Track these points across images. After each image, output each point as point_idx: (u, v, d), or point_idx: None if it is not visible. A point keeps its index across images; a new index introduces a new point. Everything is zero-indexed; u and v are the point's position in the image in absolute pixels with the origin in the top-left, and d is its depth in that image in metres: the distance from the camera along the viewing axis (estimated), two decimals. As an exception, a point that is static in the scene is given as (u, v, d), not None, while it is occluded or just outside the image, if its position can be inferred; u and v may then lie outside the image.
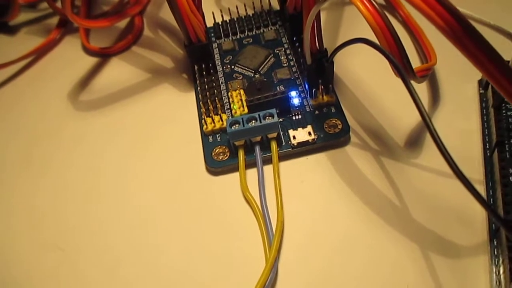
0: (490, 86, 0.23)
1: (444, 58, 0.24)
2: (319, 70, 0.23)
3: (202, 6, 0.26)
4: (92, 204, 0.23)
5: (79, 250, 0.22)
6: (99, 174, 0.25)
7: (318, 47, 0.23)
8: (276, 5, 0.30)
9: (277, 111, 0.23)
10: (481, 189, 0.21)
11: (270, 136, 0.23)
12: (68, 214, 0.23)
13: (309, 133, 0.23)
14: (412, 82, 0.23)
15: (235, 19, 0.30)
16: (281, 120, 0.24)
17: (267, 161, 0.23)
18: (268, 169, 0.23)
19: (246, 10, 0.30)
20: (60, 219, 0.23)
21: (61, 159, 0.26)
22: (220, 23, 0.30)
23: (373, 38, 0.19)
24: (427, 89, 0.25)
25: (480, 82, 0.24)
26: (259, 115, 0.22)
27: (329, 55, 0.23)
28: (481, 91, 0.24)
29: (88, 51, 0.31)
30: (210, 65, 0.26)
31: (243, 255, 0.21)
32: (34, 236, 0.23)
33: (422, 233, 0.20)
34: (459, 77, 0.25)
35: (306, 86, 0.25)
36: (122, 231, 0.22)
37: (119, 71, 0.30)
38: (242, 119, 0.23)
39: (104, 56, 0.31)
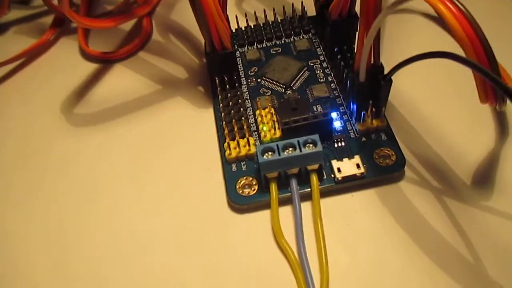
0: None
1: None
2: (372, 89, 0.19)
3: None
4: (87, 239, 0.19)
5: None
6: (95, 205, 0.20)
7: (373, 62, 0.18)
8: (310, 11, 0.25)
9: (317, 137, 0.18)
10: None
11: (310, 168, 0.19)
12: (58, 249, 0.19)
13: (357, 166, 0.19)
14: (486, 106, 0.19)
15: (262, 24, 0.26)
16: (322, 149, 0.19)
17: (304, 197, 0.19)
18: (305, 207, 0.19)
19: (275, 15, 0.26)
20: (49, 251, 0.19)
21: (50, 184, 0.21)
22: (243, 28, 0.26)
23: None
24: (492, 119, 0.21)
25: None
26: (298, 142, 0.18)
27: (385, 72, 0.18)
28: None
29: (87, 55, 0.27)
30: (234, 77, 0.22)
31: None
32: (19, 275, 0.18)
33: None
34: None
35: (353, 107, 0.20)
36: (118, 277, 0.18)
37: (122, 80, 0.25)
38: (277, 146, 0.18)
39: (105, 62, 0.26)
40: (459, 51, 0.15)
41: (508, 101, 0.17)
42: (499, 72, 0.15)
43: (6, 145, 0.23)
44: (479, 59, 0.15)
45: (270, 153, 0.18)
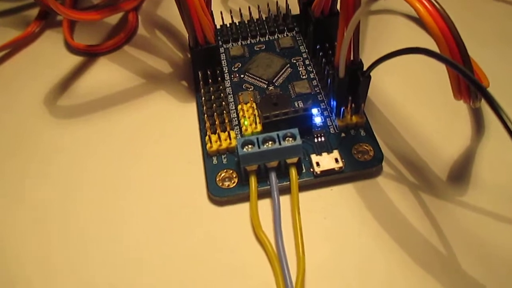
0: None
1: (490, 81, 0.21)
2: (352, 85, 0.19)
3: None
4: (70, 231, 0.19)
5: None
6: (78, 196, 0.20)
7: (353, 58, 0.19)
8: (294, 9, 0.26)
9: (297, 132, 0.19)
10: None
11: (289, 161, 0.19)
12: (44, 240, 0.19)
13: (336, 160, 0.19)
14: (463, 104, 0.20)
15: (246, 22, 0.26)
16: (301, 143, 0.19)
17: (284, 190, 0.19)
18: (284, 200, 0.19)
19: (259, 12, 0.26)
20: (34, 243, 0.19)
21: (34, 176, 0.21)
22: (228, 25, 0.26)
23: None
24: (469, 116, 0.21)
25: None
26: (278, 135, 0.18)
27: (365, 68, 0.19)
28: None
29: (72, 48, 0.27)
30: (217, 72, 0.22)
31: (254, 312, 0.16)
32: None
33: (473, 288, 0.16)
34: (508, 104, 0.21)
35: (333, 103, 0.21)
36: (102, 268, 0.18)
37: (107, 74, 0.25)
38: (257, 139, 0.18)
39: (90, 55, 0.26)
40: (437, 50, 0.15)
41: (482, 99, 0.18)
42: (471, 68, 0.15)
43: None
44: (453, 55, 0.15)
45: (250, 146, 0.19)
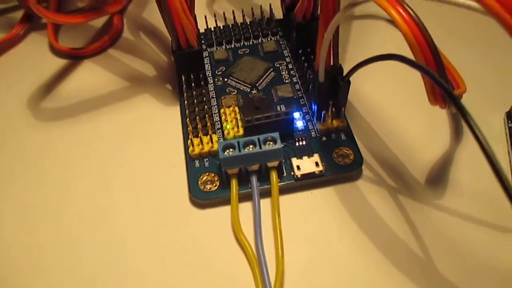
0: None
1: (468, 88, 0.21)
2: (332, 90, 0.20)
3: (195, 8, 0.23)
4: (52, 234, 0.19)
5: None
6: (62, 200, 0.20)
7: (333, 63, 0.19)
8: (278, 14, 0.26)
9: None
10: (517, 240, 0.18)
11: (270, 165, 0.19)
12: (29, 241, 0.19)
13: (316, 164, 0.19)
14: (443, 110, 0.20)
15: (230, 26, 0.26)
16: (282, 146, 0.20)
17: (264, 194, 0.19)
18: (265, 204, 0.19)
19: (243, 17, 0.26)
20: (20, 247, 0.19)
21: (17, 177, 0.21)
22: (212, 29, 0.26)
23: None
24: (448, 121, 0.22)
25: (508, 114, 0.22)
26: (258, 139, 0.19)
27: (345, 73, 0.19)
28: (510, 125, 0.21)
29: (56, 51, 0.27)
30: (201, 75, 0.22)
31: (233, 314, 0.17)
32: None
33: (448, 291, 0.17)
34: (485, 108, 0.22)
35: (314, 107, 0.21)
36: (87, 266, 0.18)
37: (91, 77, 0.25)
38: (238, 143, 0.19)
39: (74, 58, 0.26)
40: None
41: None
42: (445, 75, 0.15)
43: (-29, 139, 0.23)
44: (427, 62, 0.15)
45: (231, 149, 0.19)
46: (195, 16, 0.23)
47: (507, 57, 0.24)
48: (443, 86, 0.14)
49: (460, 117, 0.22)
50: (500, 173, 0.12)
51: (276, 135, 0.19)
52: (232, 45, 0.25)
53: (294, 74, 0.24)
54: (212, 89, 0.23)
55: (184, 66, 0.22)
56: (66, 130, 0.23)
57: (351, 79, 0.19)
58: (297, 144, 0.21)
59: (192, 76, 0.22)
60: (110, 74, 0.25)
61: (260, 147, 0.18)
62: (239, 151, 0.18)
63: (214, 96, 0.23)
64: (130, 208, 0.20)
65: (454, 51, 0.22)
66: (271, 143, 0.19)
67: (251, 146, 0.19)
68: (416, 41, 0.15)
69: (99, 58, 0.26)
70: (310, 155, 0.20)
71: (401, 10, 0.15)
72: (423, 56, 0.15)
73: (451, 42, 0.24)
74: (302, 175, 0.19)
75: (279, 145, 0.19)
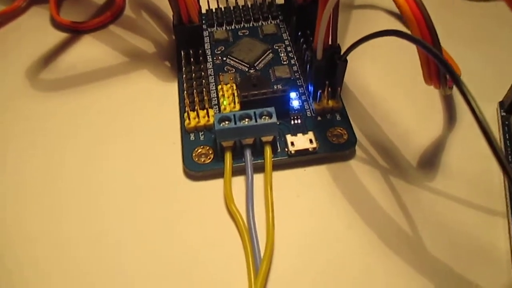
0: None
1: (463, 77, 0.21)
2: (329, 69, 0.20)
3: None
4: (49, 201, 0.19)
5: (33, 249, 0.18)
6: (58, 167, 0.20)
7: (331, 42, 0.19)
8: (279, -1, 0.26)
9: (275, 112, 0.19)
10: (504, 222, 0.18)
11: (264, 139, 0.19)
12: (22, 209, 0.19)
13: (310, 141, 0.20)
14: (438, 94, 0.21)
15: (232, 8, 0.26)
16: (278, 123, 0.20)
17: (258, 169, 0.19)
18: (258, 179, 0.19)
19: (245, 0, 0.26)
20: (12, 213, 0.19)
21: (14, 146, 0.21)
22: (214, 10, 0.26)
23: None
24: (442, 106, 0.22)
25: (501, 104, 0.22)
26: (254, 113, 0.19)
27: (342, 52, 0.19)
28: (502, 114, 0.21)
29: (58, 24, 0.27)
30: (200, 51, 0.23)
31: (222, 282, 0.17)
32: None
33: (435, 268, 0.17)
34: (478, 96, 0.22)
35: (310, 87, 0.21)
36: (82, 236, 0.18)
37: (91, 51, 0.26)
38: (234, 115, 0.19)
39: (75, 32, 0.27)
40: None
41: (454, 87, 0.18)
42: (441, 50, 0.16)
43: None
44: (424, 38, 0.16)
45: (226, 122, 0.19)
46: (197, -7, 0.23)
47: (502, 50, 0.24)
48: (439, 58, 0.14)
49: (453, 100, 0.22)
50: (490, 136, 0.12)
51: (272, 109, 0.19)
52: (233, 27, 0.26)
53: (292, 56, 0.24)
54: (210, 66, 0.23)
55: (184, 42, 0.22)
56: (64, 101, 0.23)
57: (348, 60, 0.19)
58: (292, 122, 0.21)
59: (191, 52, 0.22)
60: (110, 49, 0.26)
61: (256, 121, 0.19)
62: (235, 123, 0.19)
63: (213, 74, 0.23)
64: (125, 179, 0.20)
65: (450, 44, 0.23)
66: (267, 117, 0.19)
67: (246, 119, 0.19)
68: (413, 16, 0.15)
69: (100, 33, 0.27)
70: (304, 132, 0.20)
71: (399, -13, 0.16)
72: (420, 31, 0.15)
73: (447, 36, 0.24)
74: (296, 151, 0.20)
75: (274, 119, 0.19)
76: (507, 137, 0.20)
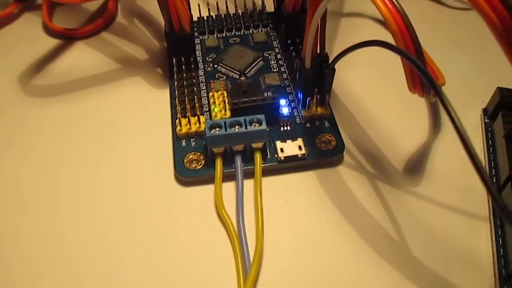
0: (500, 115, 0.21)
1: (449, 85, 0.22)
2: (317, 77, 0.20)
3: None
4: (43, 206, 0.19)
5: (27, 253, 0.18)
6: (48, 174, 0.21)
7: (319, 51, 0.20)
8: (269, 7, 0.27)
9: (264, 119, 0.20)
10: (486, 227, 0.19)
11: (254, 146, 0.20)
12: (14, 215, 0.19)
13: (299, 147, 0.20)
14: (423, 102, 0.21)
15: (223, 15, 0.27)
16: (268, 129, 0.20)
17: (248, 175, 0.20)
18: (248, 184, 0.20)
19: (236, 8, 0.27)
20: (5, 219, 0.19)
21: (7, 152, 0.21)
22: (205, 18, 0.27)
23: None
24: (427, 113, 0.23)
25: (485, 110, 0.22)
26: (245, 120, 0.19)
27: (330, 61, 0.20)
28: (486, 121, 0.22)
29: (50, 31, 0.27)
30: (191, 59, 0.23)
31: (212, 286, 0.17)
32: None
33: (420, 272, 0.17)
34: (462, 103, 0.22)
35: (300, 94, 0.22)
36: (77, 240, 0.18)
37: (83, 57, 0.26)
38: (225, 122, 0.19)
39: (68, 38, 0.27)
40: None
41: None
42: (424, 61, 0.16)
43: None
44: (408, 49, 0.16)
45: (217, 128, 0.19)
46: (189, 1, 0.23)
47: (488, 58, 0.25)
48: (421, 69, 0.14)
49: (438, 107, 0.23)
50: (471, 151, 0.12)
51: (261, 117, 0.19)
52: (224, 34, 0.26)
53: (282, 64, 0.24)
54: (202, 74, 0.24)
55: (176, 49, 0.23)
56: (56, 107, 0.23)
57: (336, 69, 0.20)
58: (282, 129, 0.21)
59: (183, 60, 0.23)
60: (102, 56, 0.26)
61: (246, 128, 0.19)
62: (225, 130, 0.19)
63: (204, 81, 0.23)
64: (117, 183, 0.20)
65: (438, 49, 0.23)
66: (257, 124, 0.19)
67: (237, 126, 0.19)
68: (398, 28, 0.16)
69: (92, 40, 0.27)
70: (294, 139, 0.21)
71: (386, 1, 0.16)
72: (404, 42, 0.16)
73: (435, 40, 0.25)
74: (285, 157, 0.20)
75: (264, 126, 0.19)
76: (490, 143, 0.21)
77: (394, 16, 0.16)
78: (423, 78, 0.15)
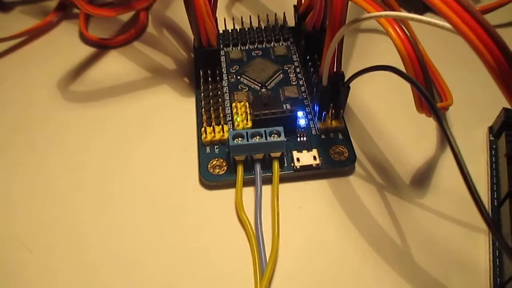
0: (503, 135, 0.22)
1: (457, 103, 0.23)
2: (333, 93, 0.22)
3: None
4: (70, 204, 0.21)
5: (50, 255, 0.20)
6: (81, 172, 0.23)
7: (336, 70, 0.21)
8: (290, 22, 0.29)
9: (283, 130, 0.21)
10: (485, 239, 0.20)
11: (273, 155, 0.21)
12: (43, 212, 0.21)
13: (314, 157, 0.22)
14: (427, 118, 0.23)
15: (247, 29, 0.29)
16: (285, 139, 0.22)
17: (266, 181, 0.22)
18: (266, 190, 0.21)
19: (259, 22, 0.29)
20: (33, 217, 0.21)
21: (41, 150, 0.24)
22: (230, 30, 0.28)
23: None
24: (435, 130, 0.24)
25: (490, 129, 0.24)
26: (265, 131, 0.21)
27: (345, 79, 0.21)
28: (491, 138, 0.23)
29: (86, 39, 0.29)
30: (217, 72, 0.25)
31: (231, 282, 0.19)
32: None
33: (421, 278, 0.19)
34: (469, 122, 0.24)
35: (316, 108, 0.23)
36: (99, 238, 0.20)
37: (116, 65, 0.28)
38: (247, 133, 0.21)
39: (102, 47, 0.29)
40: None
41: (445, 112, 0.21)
42: (431, 88, 0.18)
43: (5, 113, 0.25)
44: (416, 75, 0.18)
45: (240, 138, 0.21)
46: (216, 18, 0.25)
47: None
48: (426, 96, 0.16)
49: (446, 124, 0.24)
50: (466, 175, 0.14)
51: (280, 129, 0.21)
52: (247, 47, 0.28)
53: (300, 77, 0.26)
54: (226, 85, 0.26)
55: (203, 62, 0.25)
56: (90, 111, 0.25)
57: (351, 85, 0.22)
58: (298, 139, 0.23)
59: (209, 72, 0.25)
60: (134, 64, 0.28)
61: (266, 138, 0.21)
62: (247, 140, 0.21)
63: (228, 92, 0.25)
64: (144, 185, 0.22)
65: (448, 68, 0.25)
66: (276, 135, 0.21)
67: (258, 137, 0.21)
68: (408, 56, 0.17)
69: (125, 49, 0.29)
70: (309, 149, 0.22)
71: (397, 29, 0.18)
72: (413, 70, 0.17)
73: (447, 59, 0.26)
74: (301, 166, 0.22)
75: (282, 137, 0.21)
76: (493, 160, 0.23)
77: (405, 45, 0.18)
78: (428, 106, 0.16)
